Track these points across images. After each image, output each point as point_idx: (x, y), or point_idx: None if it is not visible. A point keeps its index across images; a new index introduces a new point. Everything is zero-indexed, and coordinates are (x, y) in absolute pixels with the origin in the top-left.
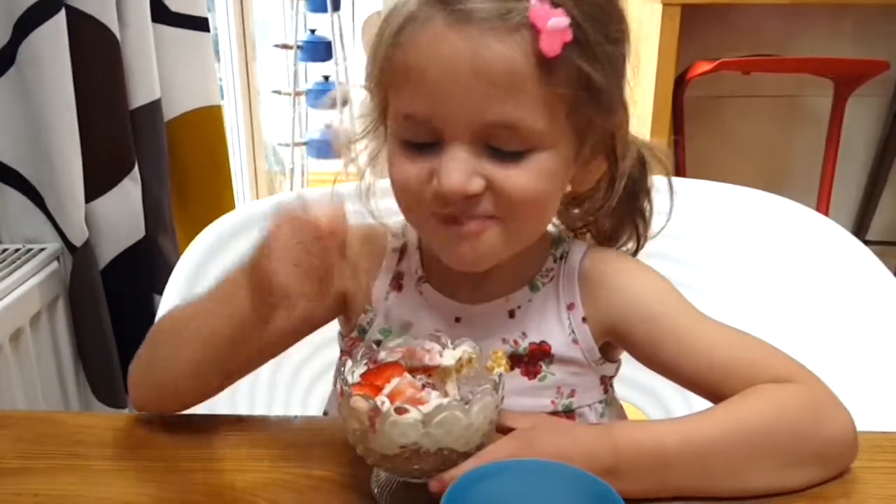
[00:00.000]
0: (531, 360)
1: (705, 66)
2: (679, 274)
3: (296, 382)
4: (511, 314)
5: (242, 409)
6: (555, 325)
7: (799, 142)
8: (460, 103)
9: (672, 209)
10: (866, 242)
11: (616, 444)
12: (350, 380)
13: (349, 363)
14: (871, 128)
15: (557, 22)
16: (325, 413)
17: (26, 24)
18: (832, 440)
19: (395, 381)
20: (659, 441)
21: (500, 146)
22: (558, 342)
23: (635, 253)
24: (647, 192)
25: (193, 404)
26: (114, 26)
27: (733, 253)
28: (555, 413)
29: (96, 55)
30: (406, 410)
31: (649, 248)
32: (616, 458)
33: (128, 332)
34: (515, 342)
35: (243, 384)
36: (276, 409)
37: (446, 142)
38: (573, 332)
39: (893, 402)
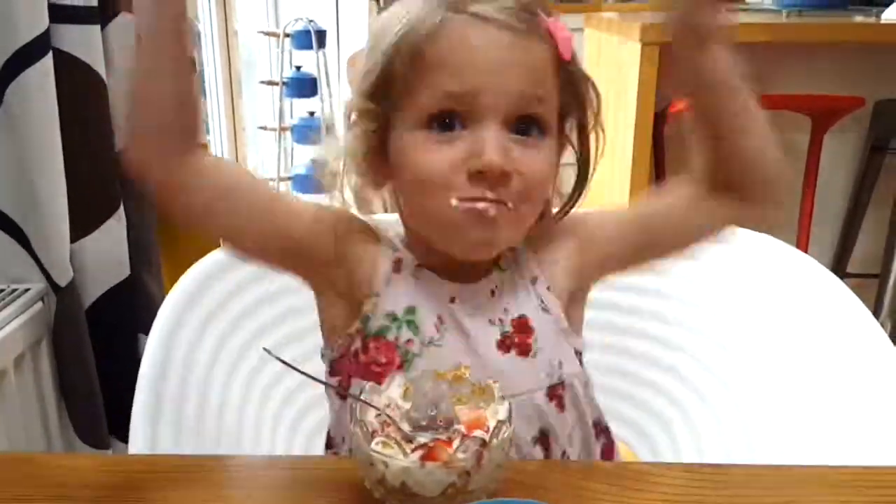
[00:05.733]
0: (520, 337)
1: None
2: (657, 307)
3: (281, 417)
4: (493, 293)
5: (226, 448)
6: (525, 299)
7: None
8: (502, 81)
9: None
10: (846, 275)
11: None
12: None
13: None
14: (849, 162)
15: (569, 33)
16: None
17: (14, 67)
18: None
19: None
20: None
21: (524, 130)
22: (532, 313)
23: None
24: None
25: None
26: (100, 68)
27: (711, 287)
28: (552, 386)
29: (83, 97)
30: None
31: (627, 280)
32: None
33: (112, 373)
34: (500, 320)
35: (229, 421)
36: (263, 448)
37: (481, 121)
38: (542, 301)
39: (870, 436)
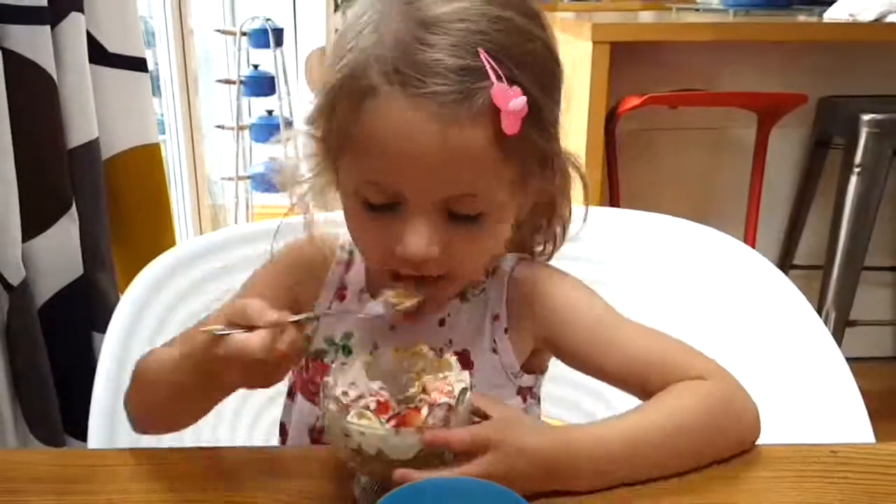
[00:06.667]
0: None
1: (634, 101)
2: (607, 299)
3: (241, 412)
4: (441, 323)
5: (188, 439)
6: (477, 335)
7: (727, 172)
8: (426, 177)
9: (587, 214)
10: (793, 267)
11: (572, 453)
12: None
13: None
14: (794, 157)
15: (517, 103)
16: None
17: None
18: (746, 427)
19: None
20: (608, 447)
21: (458, 211)
22: (479, 351)
23: (550, 257)
24: (568, 198)
25: (188, 425)
26: (51, 69)
27: (657, 281)
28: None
29: (33, 97)
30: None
31: (578, 273)
32: (573, 466)
33: (66, 370)
34: (441, 350)
35: None
36: (222, 443)
37: (409, 208)
38: (494, 342)
39: (812, 419)
